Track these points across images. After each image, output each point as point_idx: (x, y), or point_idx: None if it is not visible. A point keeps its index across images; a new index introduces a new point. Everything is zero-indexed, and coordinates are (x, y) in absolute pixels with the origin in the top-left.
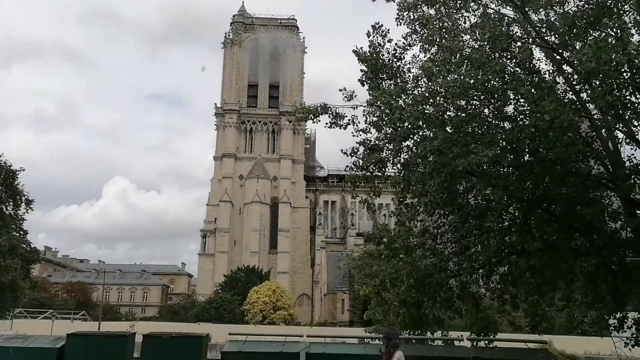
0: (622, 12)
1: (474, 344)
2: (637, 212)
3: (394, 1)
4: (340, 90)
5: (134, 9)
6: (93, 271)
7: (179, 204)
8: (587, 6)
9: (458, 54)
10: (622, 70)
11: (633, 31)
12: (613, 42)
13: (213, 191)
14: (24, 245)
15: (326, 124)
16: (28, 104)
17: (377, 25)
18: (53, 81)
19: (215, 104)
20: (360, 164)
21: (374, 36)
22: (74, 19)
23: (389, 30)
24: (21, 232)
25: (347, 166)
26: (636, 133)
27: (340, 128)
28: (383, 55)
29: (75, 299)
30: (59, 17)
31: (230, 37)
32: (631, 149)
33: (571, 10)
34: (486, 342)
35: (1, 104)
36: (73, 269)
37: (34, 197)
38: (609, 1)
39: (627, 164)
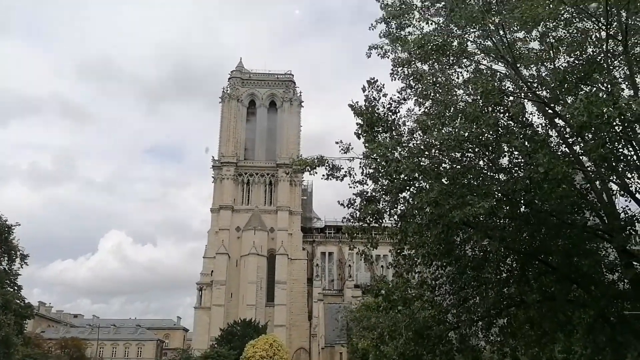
0: (611, 67)
1: None
2: (634, 263)
3: (388, 57)
4: (337, 142)
5: (134, 64)
6: (87, 326)
7: (175, 257)
8: (577, 62)
9: (452, 108)
10: (614, 123)
11: (623, 86)
12: (604, 96)
13: (210, 243)
14: (18, 301)
15: (323, 175)
16: (25, 158)
17: (372, 81)
18: (51, 136)
19: (213, 156)
20: (357, 215)
21: (369, 91)
22: (74, 74)
23: (383, 85)
24: (15, 288)
25: (344, 217)
26: (630, 185)
27: (337, 180)
28: (378, 109)
29: (69, 355)
30: (58, 72)
31: (228, 91)
32: (625, 200)
33: (561, 66)
34: None
35: None
36: (67, 325)
37: (29, 251)
38: (599, 57)
39: (622, 215)
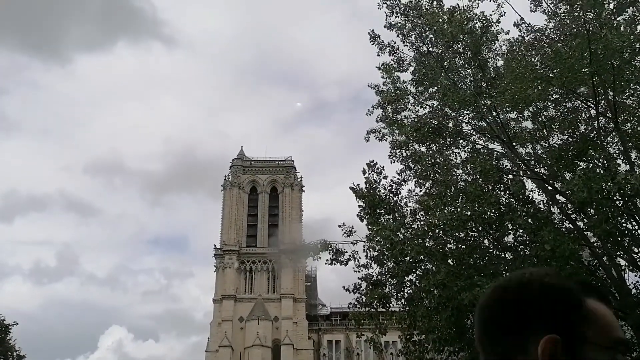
0: (605, 144)
1: None
2: None
3: (386, 140)
4: (340, 226)
5: (138, 158)
6: None
7: (177, 352)
8: (571, 139)
9: (452, 188)
10: (614, 198)
11: (619, 161)
12: (601, 172)
13: (212, 336)
14: None
15: (327, 260)
16: (28, 255)
17: (372, 163)
18: (55, 232)
19: (215, 245)
20: (364, 300)
21: (369, 173)
22: (81, 170)
23: (383, 167)
24: None
25: (350, 303)
26: (638, 260)
27: (341, 264)
28: (379, 191)
29: None
30: (65, 169)
31: (230, 179)
32: (635, 275)
33: (556, 144)
34: None
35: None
36: None
37: (27, 352)
38: (592, 134)
39: (634, 291)
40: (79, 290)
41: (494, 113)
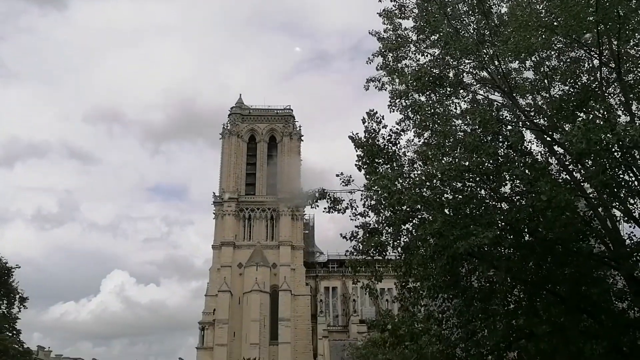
0: (606, 94)
1: None
2: None
3: (386, 89)
4: (338, 175)
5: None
6: None
7: (178, 296)
8: (572, 90)
9: (451, 138)
10: (613, 150)
11: (620, 112)
12: (601, 123)
13: (212, 281)
14: (17, 346)
15: (325, 209)
16: (29, 201)
17: (371, 112)
18: (56, 179)
19: (214, 192)
20: (360, 247)
21: (369, 122)
22: (80, 119)
23: (383, 116)
24: (14, 332)
25: (347, 251)
26: (633, 211)
27: (338, 213)
28: (378, 140)
29: None
30: (65, 117)
31: (228, 127)
32: (630, 226)
33: (557, 95)
34: None
35: (2, 202)
36: None
37: (30, 294)
38: (594, 84)
39: (628, 242)
40: (80, 237)
41: (496, 62)
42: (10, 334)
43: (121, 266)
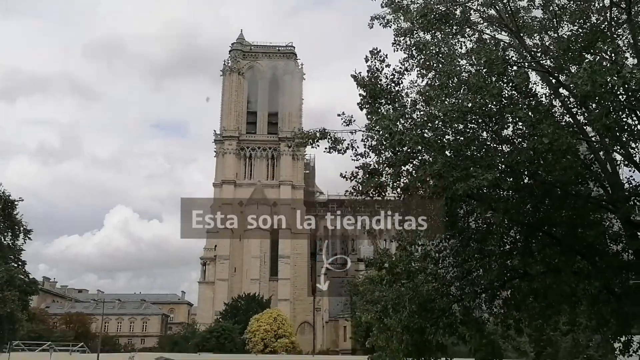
0: (615, 35)
1: None
2: (638, 234)
3: (390, 27)
4: (339, 115)
5: (139, 41)
6: (92, 301)
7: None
8: (580, 30)
9: (455, 79)
10: (618, 93)
11: (627, 54)
12: (608, 65)
13: (213, 218)
14: (22, 277)
15: (325, 149)
16: (32, 135)
17: (375, 51)
18: (58, 113)
19: (215, 130)
20: (360, 188)
21: (372, 61)
22: (79, 52)
23: (386, 55)
24: (19, 263)
25: (346, 191)
26: (634, 155)
27: (339, 153)
28: (381, 80)
29: (73, 330)
30: (66, 51)
31: (229, 64)
32: (629, 170)
33: (565, 35)
34: None
35: (5, 136)
36: (72, 300)
37: (35, 227)
38: (603, 25)
39: (626, 185)
40: (83, 171)
41: (504, 0)
42: (15, 265)
43: (124, 202)
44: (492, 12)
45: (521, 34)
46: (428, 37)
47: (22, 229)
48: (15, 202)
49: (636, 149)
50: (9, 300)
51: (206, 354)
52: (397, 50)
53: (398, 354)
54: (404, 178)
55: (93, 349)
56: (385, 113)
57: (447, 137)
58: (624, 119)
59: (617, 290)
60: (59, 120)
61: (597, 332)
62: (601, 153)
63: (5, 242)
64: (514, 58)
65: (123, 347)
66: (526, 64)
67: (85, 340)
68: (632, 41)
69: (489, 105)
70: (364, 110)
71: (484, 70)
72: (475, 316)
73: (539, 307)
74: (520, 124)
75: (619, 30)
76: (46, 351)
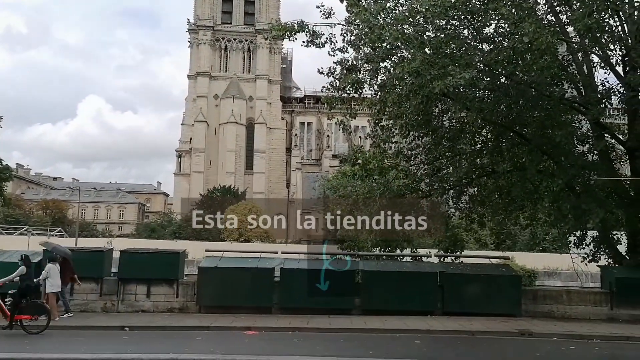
0: None
1: (441, 260)
2: (605, 135)
3: None
4: (318, 7)
5: None
6: (67, 189)
7: (155, 125)
8: None
9: None
10: None
11: None
12: None
13: (188, 111)
14: None
15: (303, 42)
16: None
17: None
18: None
19: (189, 19)
20: (337, 84)
21: None
22: None
23: None
24: None
25: (323, 87)
26: (611, 57)
27: (316, 47)
28: None
29: (50, 216)
30: None
31: None
32: (605, 72)
33: None
34: (453, 258)
35: None
36: (47, 187)
37: (6, 115)
38: None
39: (600, 88)
40: (52, 59)
41: None
42: None
43: (96, 92)
44: None
45: None
46: None
47: None
48: None
49: (614, 51)
50: None
51: (183, 241)
52: None
53: (367, 243)
54: (382, 75)
55: (71, 234)
56: (365, 5)
57: (427, 33)
58: (606, 20)
59: (577, 189)
60: (24, 3)
61: (554, 227)
62: (579, 54)
63: None
64: None
65: (101, 233)
66: None
67: (63, 226)
68: None
69: (473, 1)
70: (344, 2)
71: None
72: (442, 210)
73: (503, 202)
74: (502, 21)
75: None
76: (24, 235)
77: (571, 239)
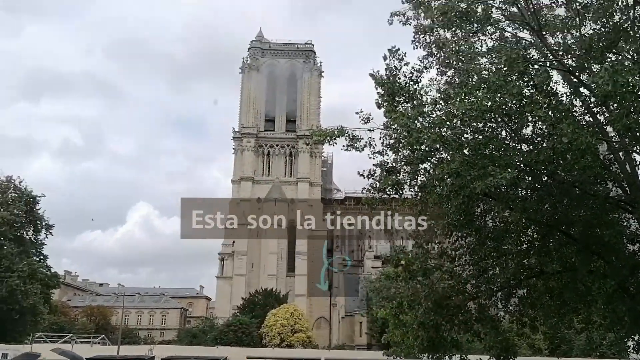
0: (638, 35)
1: None
2: None
3: (410, 25)
4: (357, 113)
5: (159, 39)
6: (112, 295)
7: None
8: (603, 29)
9: (475, 77)
10: (639, 93)
11: None
12: (630, 65)
13: (231, 214)
14: (44, 270)
15: (343, 146)
16: (55, 133)
17: (393, 49)
18: (80, 111)
19: (233, 128)
20: (377, 186)
21: (390, 59)
22: (100, 51)
23: (405, 53)
24: (41, 257)
25: (364, 188)
26: None
27: (356, 150)
28: (400, 78)
29: (94, 322)
30: (89, 51)
31: (248, 62)
32: None
33: (588, 34)
34: None
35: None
36: (93, 293)
37: (58, 223)
38: (626, 24)
39: None
40: (106, 169)
41: None
42: (37, 259)
43: (146, 198)
44: (514, 10)
45: (543, 33)
46: (448, 35)
47: (43, 224)
48: (38, 198)
49: None
50: (31, 293)
51: (224, 347)
52: (416, 48)
53: (413, 349)
54: (422, 176)
55: (113, 341)
56: (403, 111)
57: (465, 135)
58: None
59: (631, 290)
60: (81, 118)
61: (610, 331)
62: (621, 153)
63: (27, 236)
64: (535, 57)
65: (143, 340)
66: (547, 62)
67: (106, 333)
68: None
69: (509, 104)
70: (382, 109)
71: (505, 68)
72: (491, 314)
73: (555, 305)
74: (539, 123)
75: None
76: (68, 343)
77: (630, 343)
